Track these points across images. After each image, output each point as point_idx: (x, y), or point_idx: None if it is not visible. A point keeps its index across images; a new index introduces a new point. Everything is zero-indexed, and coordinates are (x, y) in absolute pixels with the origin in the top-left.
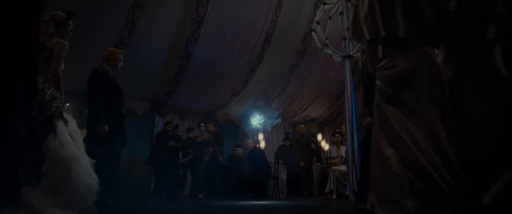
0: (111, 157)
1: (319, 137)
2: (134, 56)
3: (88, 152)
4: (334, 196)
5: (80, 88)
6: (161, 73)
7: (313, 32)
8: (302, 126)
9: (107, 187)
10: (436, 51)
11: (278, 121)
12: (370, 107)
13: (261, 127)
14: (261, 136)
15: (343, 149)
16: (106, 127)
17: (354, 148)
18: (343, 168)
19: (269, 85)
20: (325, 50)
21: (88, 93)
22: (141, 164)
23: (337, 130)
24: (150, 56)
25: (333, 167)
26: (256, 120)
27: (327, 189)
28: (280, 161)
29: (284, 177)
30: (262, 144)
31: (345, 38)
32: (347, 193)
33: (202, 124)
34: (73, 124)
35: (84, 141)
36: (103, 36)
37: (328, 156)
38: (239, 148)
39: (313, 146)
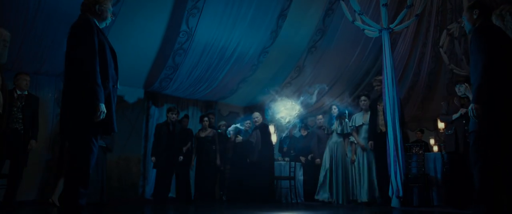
0: (94, 150)
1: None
2: (124, 32)
3: (73, 141)
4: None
5: (58, 71)
6: (157, 53)
7: (341, 1)
8: (320, 116)
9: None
10: None
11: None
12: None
13: (295, 116)
14: (272, 129)
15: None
16: (103, 106)
17: (397, 143)
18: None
19: (281, 69)
20: (356, 23)
21: (73, 53)
22: (135, 160)
23: (365, 93)
24: (144, 32)
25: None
26: (287, 110)
27: (363, 198)
28: (302, 158)
29: (301, 177)
30: (274, 138)
31: (385, 4)
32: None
33: (206, 119)
34: None
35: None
36: None
37: (352, 124)
38: (247, 121)
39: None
